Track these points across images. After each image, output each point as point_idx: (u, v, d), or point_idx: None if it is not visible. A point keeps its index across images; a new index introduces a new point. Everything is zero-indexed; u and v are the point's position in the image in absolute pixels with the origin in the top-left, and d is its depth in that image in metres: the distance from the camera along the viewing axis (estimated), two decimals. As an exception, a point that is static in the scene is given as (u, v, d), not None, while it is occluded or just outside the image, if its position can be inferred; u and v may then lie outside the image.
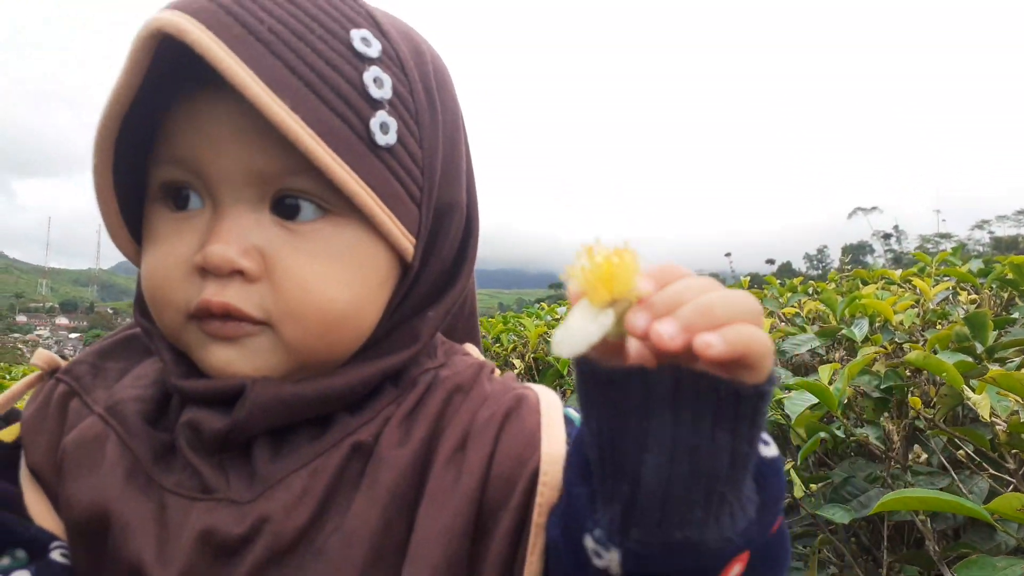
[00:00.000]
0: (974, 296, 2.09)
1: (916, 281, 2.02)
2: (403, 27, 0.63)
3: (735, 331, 0.38)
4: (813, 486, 1.43)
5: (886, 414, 1.38)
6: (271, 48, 0.52)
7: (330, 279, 0.57)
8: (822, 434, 1.38)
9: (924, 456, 1.48)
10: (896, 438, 1.39)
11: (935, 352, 1.41)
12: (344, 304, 0.58)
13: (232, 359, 0.56)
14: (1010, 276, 1.74)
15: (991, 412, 1.04)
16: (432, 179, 0.61)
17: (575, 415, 0.63)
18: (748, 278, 3.97)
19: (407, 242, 0.60)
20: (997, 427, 1.07)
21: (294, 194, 0.57)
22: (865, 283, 2.84)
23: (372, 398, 0.61)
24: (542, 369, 2.96)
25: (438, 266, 0.65)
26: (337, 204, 0.57)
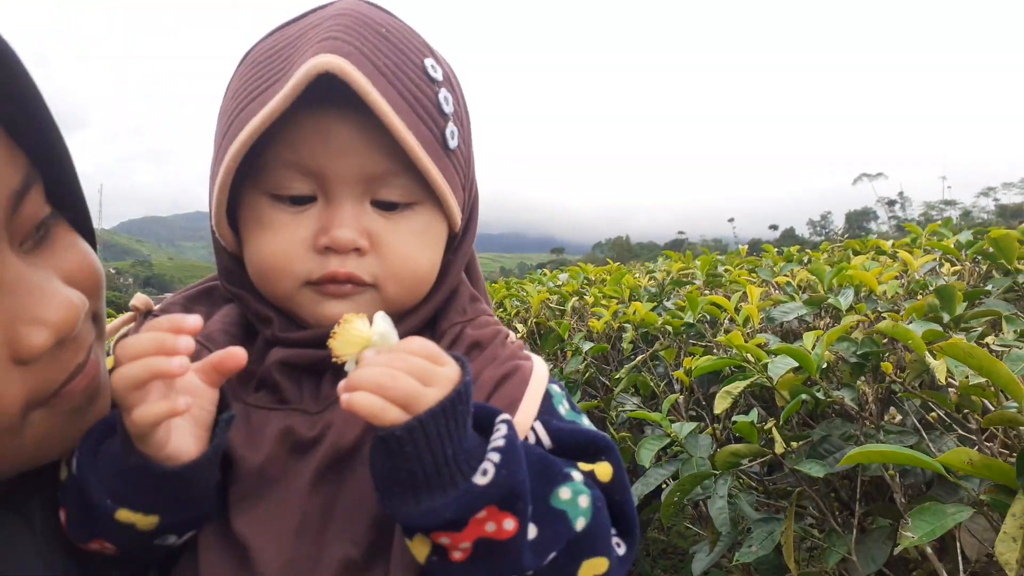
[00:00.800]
0: (957, 267, 2.19)
1: (902, 253, 2.11)
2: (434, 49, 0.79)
3: (363, 398, 0.58)
4: (794, 444, 1.55)
5: (862, 378, 1.49)
6: (389, 80, 0.67)
7: (417, 251, 0.77)
8: (803, 396, 1.50)
9: (899, 418, 1.60)
10: (871, 400, 1.51)
11: (911, 321, 1.52)
12: (427, 267, 0.79)
13: (344, 309, 0.69)
14: (989, 249, 1.84)
15: (947, 377, 1.15)
16: (471, 169, 0.80)
17: (558, 390, 0.80)
18: (746, 247, 4.06)
19: (459, 218, 0.79)
20: (950, 390, 1.18)
21: (389, 195, 0.75)
22: (857, 253, 2.94)
23: (422, 332, 0.80)
24: (543, 334, 3.08)
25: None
26: (419, 195, 0.74)
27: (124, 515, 0.63)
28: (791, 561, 1.44)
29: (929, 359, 1.16)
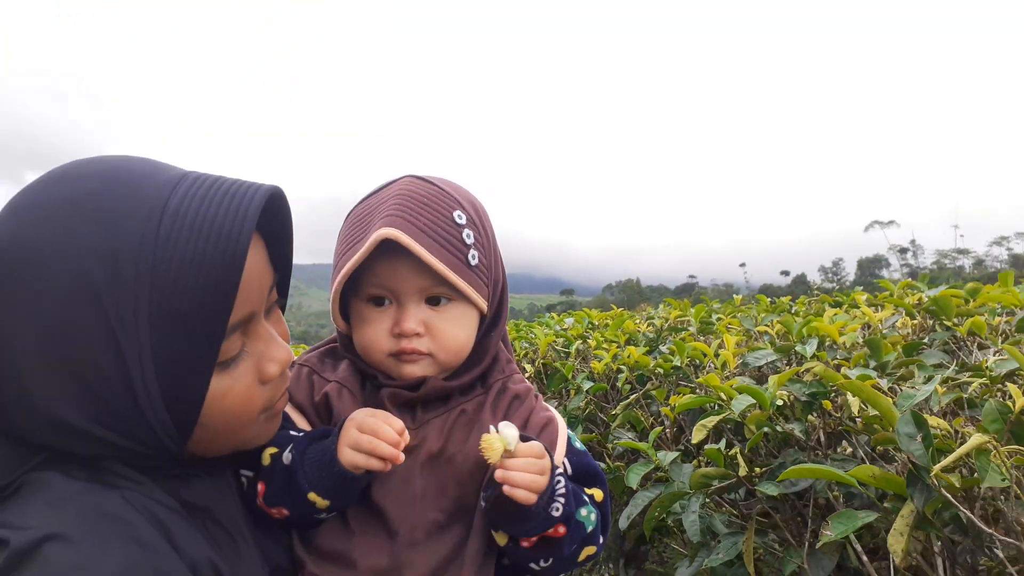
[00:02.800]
0: (915, 321, 2.49)
1: (864, 308, 2.42)
2: (470, 196, 1.16)
3: (520, 493, 0.96)
4: (757, 469, 1.84)
5: (812, 414, 1.79)
6: (426, 233, 1.04)
7: (457, 331, 1.11)
8: (765, 428, 1.80)
9: (850, 450, 1.89)
10: (820, 432, 1.81)
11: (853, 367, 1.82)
12: (464, 341, 1.13)
13: (415, 370, 1.09)
14: (932, 307, 2.14)
15: (859, 410, 1.45)
16: (492, 274, 1.15)
17: (572, 434, 1.19)
18: (740, 297, 4.35)
19: (484, 306, 1.13)
20: (858, 421, 1.48)
21: (436, 295, 1.10)
22: (835, 305, 3.24)
23: (470, 390, 1.15)
24: (550, 374, 3.39)
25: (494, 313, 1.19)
26: (457, 295, 1.09)
27: (312, 496, 0.99)
28: (750, 567, 1.72)
29: (848, 397, 1.46)
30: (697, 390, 2.29)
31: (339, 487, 0.99)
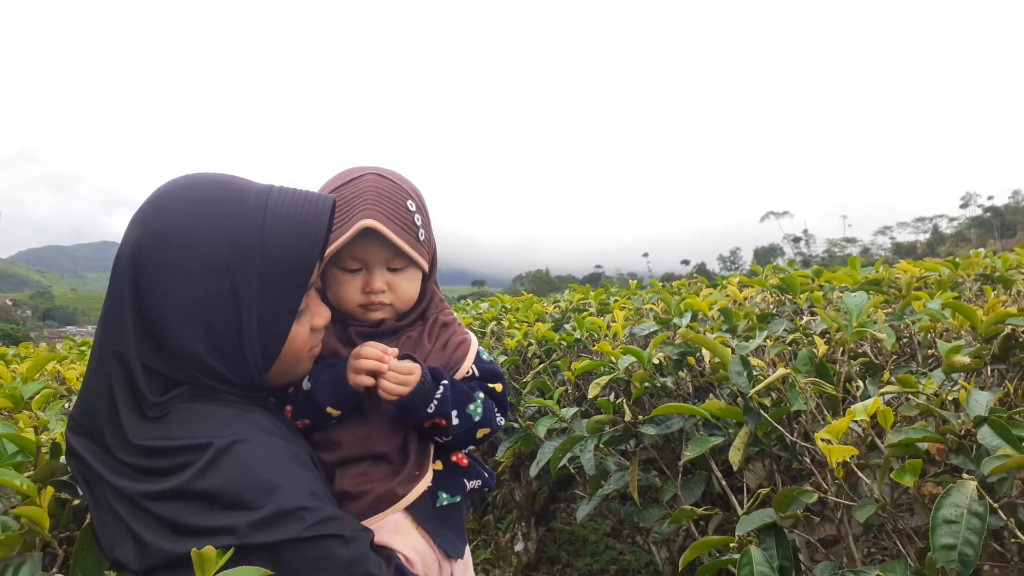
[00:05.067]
0: (771, 298, 2.98)
1: (731, 287, 2.89)
2: (414, 186, 1.50)
3: (381, 393, 1.34)
4: (640, 417, 2.26)
5: (682, 371, 2.22)
6: (392, 219, 1.38)
7: (409, 288, 1.45)
8: (646, 383, 2.22)
9: (713, 398, 2.33)
10: (688, 384, 2.24)
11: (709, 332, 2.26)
12: (413, 294, 1.47)
13: (379, 315, 1.43)
14: (782, 286, 2.63)
15: (711, 361, 1.88)
16: (432, 245, 1.51)
17: (482, 348, 1.55)
18: (636, 282, 4.83)
19: (427, 268, 1.49)
20: (707, 366, 1.91)
21: (396, 267, 1.44)
22: (715, 286, 3.74)
23: (414, 324, 1.51)
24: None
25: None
26: (410, 263, 1.44)
27: (329, 409, 1.34)
28: (635, 493, 2.14)
29: (704, 352, 1.89)
30: (594, 357, 2.70)
31: (348, 400, 1.36)
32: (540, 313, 3.82)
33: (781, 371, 1.56)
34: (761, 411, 1.64)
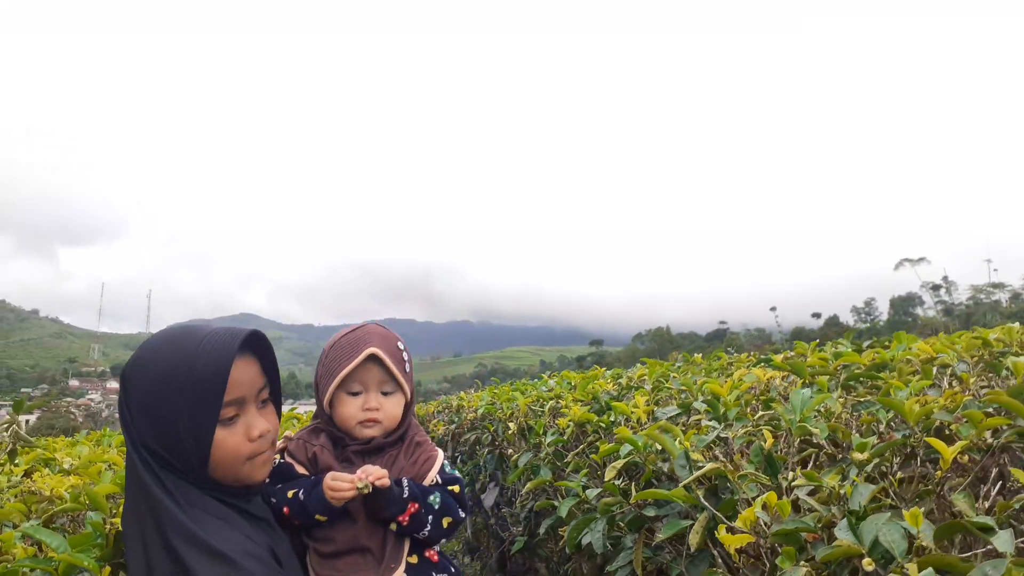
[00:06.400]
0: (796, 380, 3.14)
1: (756, 370, 3.09)
2: (397, 335, 1.89)
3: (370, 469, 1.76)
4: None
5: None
6: (390, 355, 1.82)
7: (396, 410, 1.85)
8: (653, 468, 2.46)
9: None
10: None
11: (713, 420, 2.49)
12: (398, 415, 1.86)
13: (370, 432, 1.83)
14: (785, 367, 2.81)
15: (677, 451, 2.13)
16: (412, 378, 1.90)
17: (445, 461, 1.92)
18: (677, 355, 5.00)
19: (410, 395, 1.88)
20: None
21: (387, 391, 1.84)
22: (767, 360, 3.89)
23: (396, 443, 1.88)
24: (526, 432, 4.07)
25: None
26: (398, 389, 1.84)
27: (318, 516, 1.73)
28: (639, 570, 2.37)
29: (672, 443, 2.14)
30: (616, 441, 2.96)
31: (331, 510, 1.73)
32: (596, 393, 4.09)
33: (711, 466, 1.80)
34: (704, 500, 1.88)
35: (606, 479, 2.60)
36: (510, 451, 4.30)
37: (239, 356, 1.56)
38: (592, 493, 2.73)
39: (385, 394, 1.85)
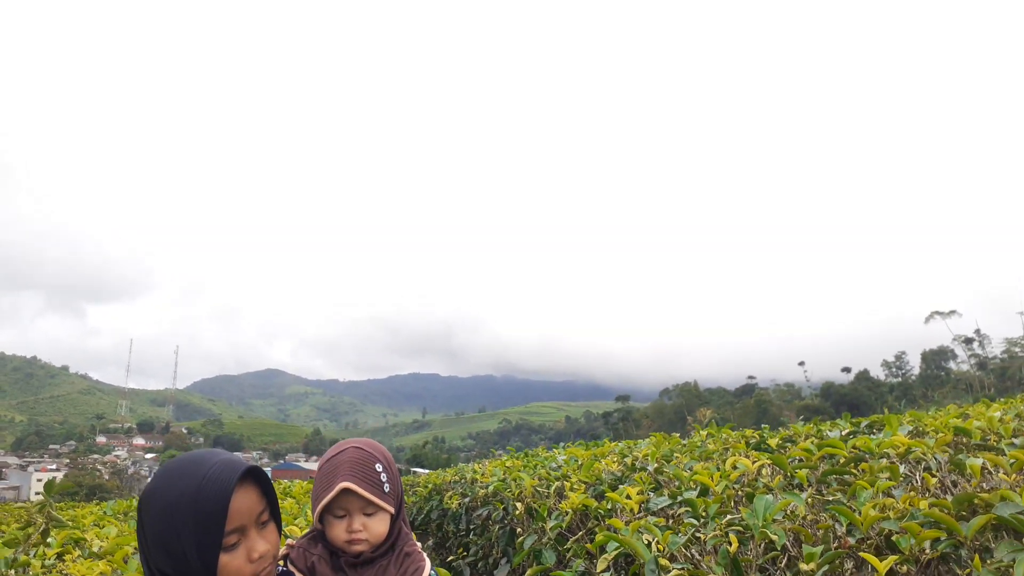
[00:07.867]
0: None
1: (743, 460, 3.25)
2: (382, 449, 2.13)
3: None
4: (637, 589, 2.66)
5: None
6: (363, 479, 2.02)
7: (380, 528, 2.03)
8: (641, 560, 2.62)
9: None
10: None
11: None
12: (383, 531, 2.03)
13: (358, 548, 2.02)
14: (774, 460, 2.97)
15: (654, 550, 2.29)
16: (397, 491, 2.11)
17: (435, 570, 2.10)
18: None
19: (393, 512, 2.08)
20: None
21: (369, 512, 2.04)
22: (762, 448, 4.04)
23: (385, 553, 2.08)
24: (532, 513, 4.23)
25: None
26: (379, 509, 2.04)
27: None
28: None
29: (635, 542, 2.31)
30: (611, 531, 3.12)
31: None
32: (599, 475, 4.25)
33: (675, 572, 1.98)
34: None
35: (598, 569, 2.78)
36: (519, 530, 4.45)
37: (238, 486, 1.77)
38: (586, 583, 2.89)
39: (368, 515, 2.03)
